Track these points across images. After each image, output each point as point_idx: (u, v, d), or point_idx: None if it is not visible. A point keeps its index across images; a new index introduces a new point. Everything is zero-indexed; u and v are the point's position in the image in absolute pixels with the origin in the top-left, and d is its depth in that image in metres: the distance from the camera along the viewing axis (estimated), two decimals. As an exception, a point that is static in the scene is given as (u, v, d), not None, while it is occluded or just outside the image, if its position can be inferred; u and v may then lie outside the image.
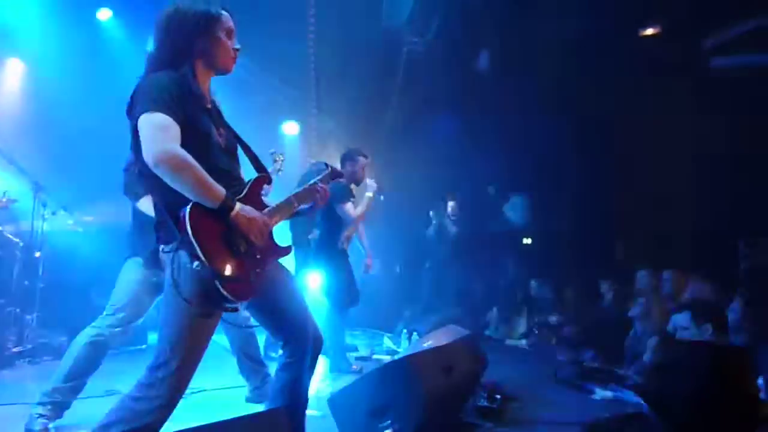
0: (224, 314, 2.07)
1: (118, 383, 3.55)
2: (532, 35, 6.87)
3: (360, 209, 4.77)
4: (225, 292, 1.89)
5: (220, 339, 3.95)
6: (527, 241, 9.45)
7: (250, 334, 3.65)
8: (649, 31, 7.24)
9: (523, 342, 7.21)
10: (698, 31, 6.85)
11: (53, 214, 5.33)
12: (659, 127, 7.33)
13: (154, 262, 3.07)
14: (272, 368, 3.57)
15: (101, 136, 6.10)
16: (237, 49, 2.18)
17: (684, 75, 7.02)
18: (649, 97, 7.17)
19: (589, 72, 7.02)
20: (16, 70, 6.16)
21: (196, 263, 1.86)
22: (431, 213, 7.79)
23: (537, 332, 7.02)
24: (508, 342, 7.37)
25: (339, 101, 7.44)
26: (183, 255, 1.92)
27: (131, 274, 3.22)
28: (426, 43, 6.65)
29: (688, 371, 2.68)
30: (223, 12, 2.16)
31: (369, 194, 4.74)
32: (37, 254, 5.19)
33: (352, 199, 4.81)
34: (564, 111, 7.69)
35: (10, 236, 5.01)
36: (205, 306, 1.95)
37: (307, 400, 2.34)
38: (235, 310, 2.03)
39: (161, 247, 2.06)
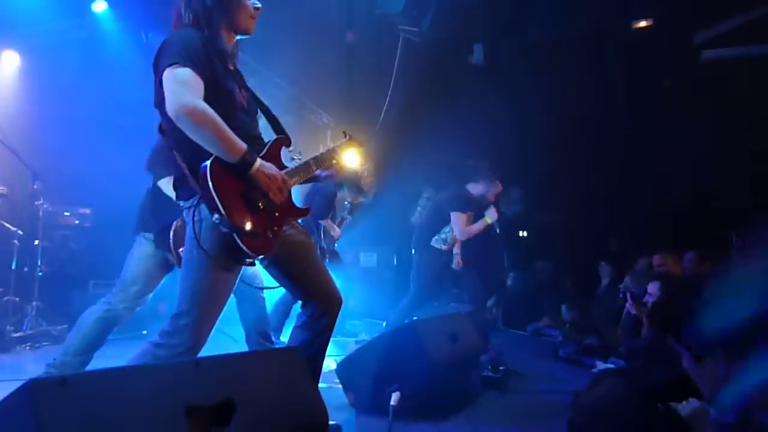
0: (241, 275, 2.11)
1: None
2: (526, 30, 6.95)
3: (472, 228, 4.72)
4: (243, 246, 1.92)
5: (228, 329, 4.00)
6: (523, 233, 9.48)
7: (261, 309, 3.66)
8: (642, 24, 7.34)
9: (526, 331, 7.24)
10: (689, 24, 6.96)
11: (50, 204, 5.34)
12: (654, 121, 7.44)
13: (162, 241, 3.14)
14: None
15: (97, 127, 6.16)
16: (257, 8, 2.18)
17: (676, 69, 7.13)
18: (644, 91, 7.26)
19: (582, 66, 7.08)
20: (12, 61, 6.14)
21: (215, 216, 1.88)
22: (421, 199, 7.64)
23: (543, 319, 7.07)
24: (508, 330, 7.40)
25: (333, 91, 7.45)
26: (203, 209, 1.96)
27: (142, 248, 3.24)
28: (421, 33, 6.69)
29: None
30: None
31: (489, 220, 4.73)
32: (36, 242, 5.17)
33: (469, 212, 4.77)
34: (556, 107, 7.76)
35: (8, 225, 4.98)
36: (224, 259, 2.00)
37: (322, 359, 2.36)
38: (252, 264, 2.08)
39: (181, 203, 2.09)
